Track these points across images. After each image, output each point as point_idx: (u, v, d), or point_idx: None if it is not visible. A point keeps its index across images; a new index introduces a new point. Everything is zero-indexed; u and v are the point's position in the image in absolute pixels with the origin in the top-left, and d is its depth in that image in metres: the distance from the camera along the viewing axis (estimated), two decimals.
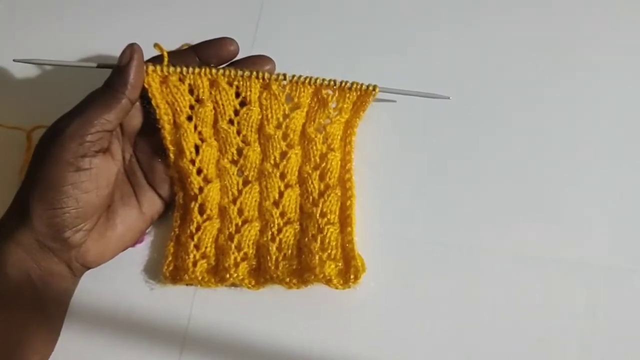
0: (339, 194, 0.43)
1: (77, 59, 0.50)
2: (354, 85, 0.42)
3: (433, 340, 0.41)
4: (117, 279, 0.42)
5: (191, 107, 0.42)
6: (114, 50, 0.49)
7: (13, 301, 0.37)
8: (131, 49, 0.39)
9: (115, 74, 0.39)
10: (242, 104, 0.43)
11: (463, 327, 0.39)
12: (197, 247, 0.42)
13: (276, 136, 0.43)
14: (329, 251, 0.41)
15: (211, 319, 0.42)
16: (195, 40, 0.44)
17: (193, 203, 0.42)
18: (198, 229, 0.42)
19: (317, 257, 0.41)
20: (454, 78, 0.48)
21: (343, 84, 0.42)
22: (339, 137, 0.44)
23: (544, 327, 0.41)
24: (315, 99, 0.43)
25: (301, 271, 0.41)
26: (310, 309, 0.41)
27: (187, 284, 0.42)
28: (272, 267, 0.41)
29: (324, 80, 0.42)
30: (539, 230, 0.44)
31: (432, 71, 0.48)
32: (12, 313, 0.37)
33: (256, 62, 0.43)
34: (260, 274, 0.42)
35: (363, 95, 0.43)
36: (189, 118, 0.42)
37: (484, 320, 0.42)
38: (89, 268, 0.41)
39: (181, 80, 0.41)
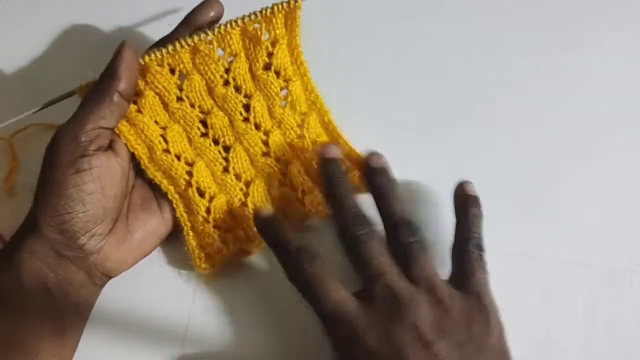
0: (315, 116, 0.44)
1: (74, 57, 0.50)
2: (275, 7, 0.40)
3: None
4: (116, 278, 0.42)
5: (135, 102, 0.41)
6: (111, 47, 0.50)
7: (29, 310, 0.36)
8: (120, 45, 0.39)
9: (105, 70, 0.39)
10: (182, 77, 0.41)
11: None
12: (217, 227, 0.42)
13: (229, 93, 0.41)
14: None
15: (211, 318, 0.42)
16: None
17: (190, 190, 0.41)
18: (208, 211, 0.42)
19: None
20: None
21: (264, 11, 0.40)
22: (289, 63, 0.42)
23: (544, 327, 0.41)
24: (247, 40, 0.41)
25: None
26: (309, 308, 0.41)
27: (226, 262, 0.42)
28: (301, 207, 0.43)
29: (244, 16, 0.40)
30: (539, 230, 0.44)
31: None
32: (28, 323, 0.36)
33: (202, 12, 0.42)
34: (293, 215, 0.43)
35: (288, 12, 0.41)
36: (139, 111, 0.41)
37: None
38: (109, 276, 0.40)
39: None
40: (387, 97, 0.48)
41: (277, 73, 0.42)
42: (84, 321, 0.40)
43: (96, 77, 0.39)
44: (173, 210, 0.42)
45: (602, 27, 0.50)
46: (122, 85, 0.38)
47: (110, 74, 0.38)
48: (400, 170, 0.44)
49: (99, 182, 0.37)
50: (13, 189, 0.45)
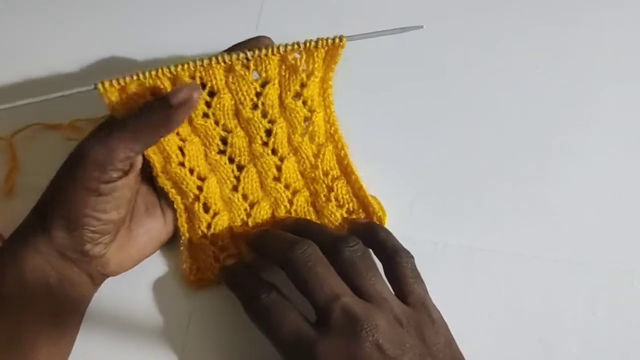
0: (331, 148, 0.44)
1: (75, 60, 0.50)
2: (320, 42, 0.39)
3: None
4: (116, 280, 0.42)
5: None
6: (112, 49, 0.50)
7: (29, 307, 0.37)
8: (192, 90, 0.36)
9: (160, 107, 0.36)
10: (211, 93, 0.40)
11: (462, 327, 0.39)
12: (213, 243, 0.42)
13: (255, 117, 0.41)
14: (347, 205, 0.43)
15: (211, 319, 0.42)
16: (194, 40, 0.44)
17: (196, 204, 0.41)
18: (209, 226, 0.42)
19: (338, 215, 0.43)
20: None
21: (308, 43, 0.39)
22: (317, 95, 0.42)
23: (544, 327, 0.41)
24: (284, 67, 0.40)
25: None
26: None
27: (217, 282, 0.42)
28: None
29: (287, 45, 0.39)
30: (539, 230, 0.44)
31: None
32: (28, 319, 0.37)
33: (255, 44, 0.40)
34: None
35: (331, 49, 0.40)
36: None
37: (484, 321, 0.42)
38: (109, 276, 0.40)
39: (141, 86, 0.37)
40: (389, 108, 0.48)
41: (305, 103, 0.42)
42: (81, 319, 0.40)
43: (117, 78, 0.37)
44: (175, 216, 0.42)
45: (602, 26, 0.50)
46: (171, 130, 0.36)
47: (165, 119, 0.36)
48: (406, 171, 0.44)
49: (116, 204, 0.37)
50: (13, 189, 0.45)
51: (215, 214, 0.42)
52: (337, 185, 0.43)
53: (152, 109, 0.36)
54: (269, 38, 0.41)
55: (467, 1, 0.51)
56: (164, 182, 0.41)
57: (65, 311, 0.38)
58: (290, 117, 0.42)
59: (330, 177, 0.44)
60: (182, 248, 0.42)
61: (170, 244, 0.43)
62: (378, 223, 0.42)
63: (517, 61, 0.49)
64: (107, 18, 0.51)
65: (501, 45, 0.49)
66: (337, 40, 0.39)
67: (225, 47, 0.41)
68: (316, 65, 0.40)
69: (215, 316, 0.42)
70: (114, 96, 0.37)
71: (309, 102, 0.42)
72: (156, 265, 0.43)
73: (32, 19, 0.52)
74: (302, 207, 0.44)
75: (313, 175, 0.43)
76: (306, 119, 0.42)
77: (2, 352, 0.36)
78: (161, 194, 0.42)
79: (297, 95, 0.41)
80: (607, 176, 0.45)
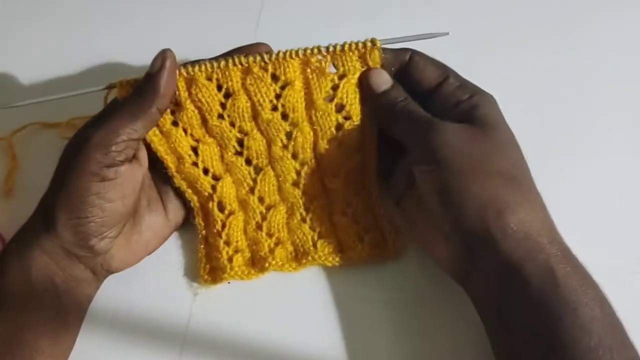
0: (358, 160, 0.41)
1: (76, 60, 0.50)
2: (346, 46, 0.38)
3: (432, 340, 0.41)
4: (117, 279, 0.42)
5: (172, 112, 0.39)
6: (112, 50, 0.50)
7: (35, 306, 0.37)
8: (163, 56, 0.37)
9: (145, 81, 0.37)
10: (227, 95, 0.39)
11: (465, 326, 0.39)
12: (227, 243, 0.42)
13: (275, 119, 0.39)
14: (362, 224, 0.42)
15: (211, 319, 0.42)
16: (194, 40, 0.44)
17: (211, 203, 0.42)
18: (223, 226, 0.42)
19: (353, 231, 0.42)
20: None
21: (331, 48, 0.38)
22: (356, 101, 0.39)
23: None
24: (309, 70, 0.39)
25: (341, 250, 0.42)
26: (310, 309, 0.41)
27: (228, 281, 0.42)
28: (312, 248, 0.42)
29: (306, 49, 0.38)
30: None
31: None
32: (32, 320, 0.37)
33: (252, 50, 0.39)
34: (302, 256, 0.42)
35: (363, 53, 0.38)
36: (174, 123, 0.40)
37: None
38: (112, 273, 0.41)
39: None
40: None
41: (341, 108, 0.40)
42: (83, 318, 0.40)
43: (131, 77, 0.38)
44: (177, 213, 0.43)
45: (602, 27, 0.50)
46: (162, 99, 0.37)
47: (152, 88, 0.36)
48: None
49: (121, 191, 0.37)
50: (12, 188, 0.45)
51: (230, 214, 0.42)
52: (355, 201, 0.42)
53: (140, 86, 0.37)
54: (267, 45, 0.40)
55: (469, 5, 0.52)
56: (179, 182, 0.42)
57: (69, 311, 0.38)
58: (320, 121, 0.40)
59: (351, 190, 0.42)
60: (198, 247, 0.43)
61: (171, 244, 0.44)
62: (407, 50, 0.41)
63: (519, 61, 0.49)
64: (107, 18, 0.51)
65: (503, 46, 0.49)
66: (369, 44, 0.38)
67: (225, 47, 0.41)
68: (347, 68, 0.39)
69: (215, 316, 0.42)
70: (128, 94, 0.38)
71: (348, 107, 0.40)
72: (156, 265, 0.43)
73: (32, 19, 0.52)
74: (317, 217, 0.42)
75: (334, 186, 0.42)
76: (338, 127, 0.40)
77: (3, 351, 0.36)
78: (163, 191, 0.42)
79: (329, 97, 0.39)
80: (608, 175, 0.45)
